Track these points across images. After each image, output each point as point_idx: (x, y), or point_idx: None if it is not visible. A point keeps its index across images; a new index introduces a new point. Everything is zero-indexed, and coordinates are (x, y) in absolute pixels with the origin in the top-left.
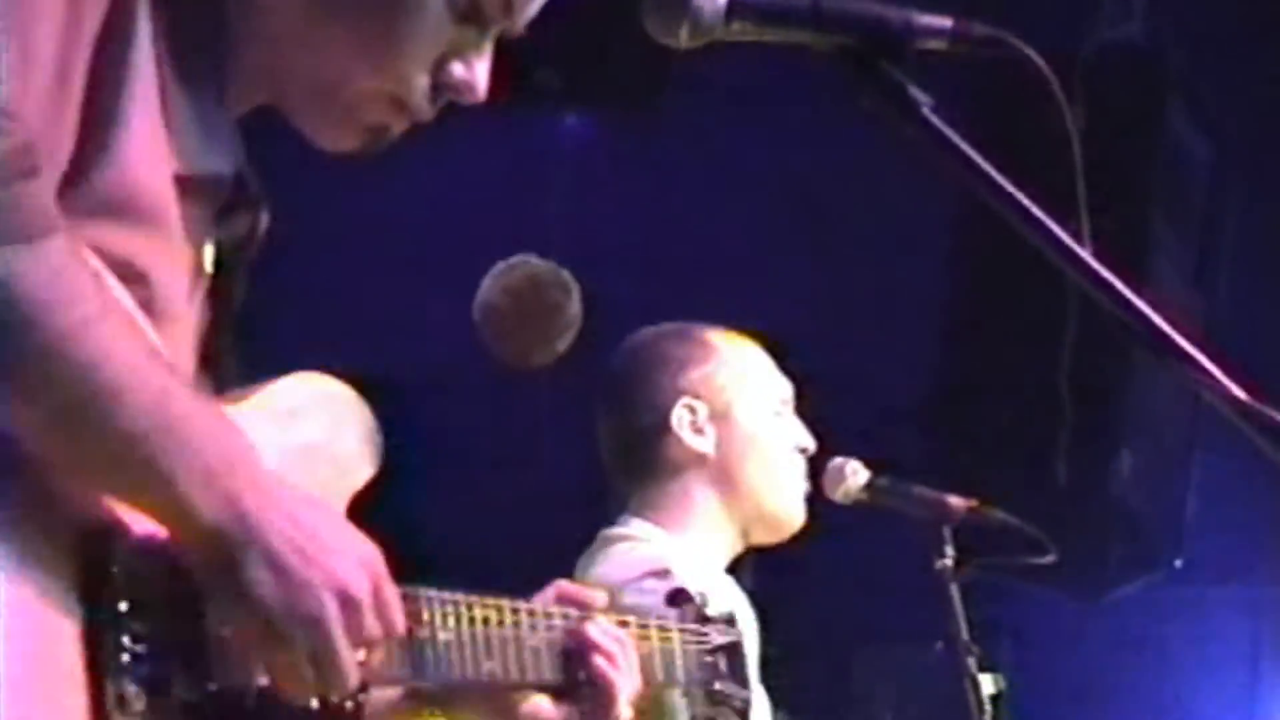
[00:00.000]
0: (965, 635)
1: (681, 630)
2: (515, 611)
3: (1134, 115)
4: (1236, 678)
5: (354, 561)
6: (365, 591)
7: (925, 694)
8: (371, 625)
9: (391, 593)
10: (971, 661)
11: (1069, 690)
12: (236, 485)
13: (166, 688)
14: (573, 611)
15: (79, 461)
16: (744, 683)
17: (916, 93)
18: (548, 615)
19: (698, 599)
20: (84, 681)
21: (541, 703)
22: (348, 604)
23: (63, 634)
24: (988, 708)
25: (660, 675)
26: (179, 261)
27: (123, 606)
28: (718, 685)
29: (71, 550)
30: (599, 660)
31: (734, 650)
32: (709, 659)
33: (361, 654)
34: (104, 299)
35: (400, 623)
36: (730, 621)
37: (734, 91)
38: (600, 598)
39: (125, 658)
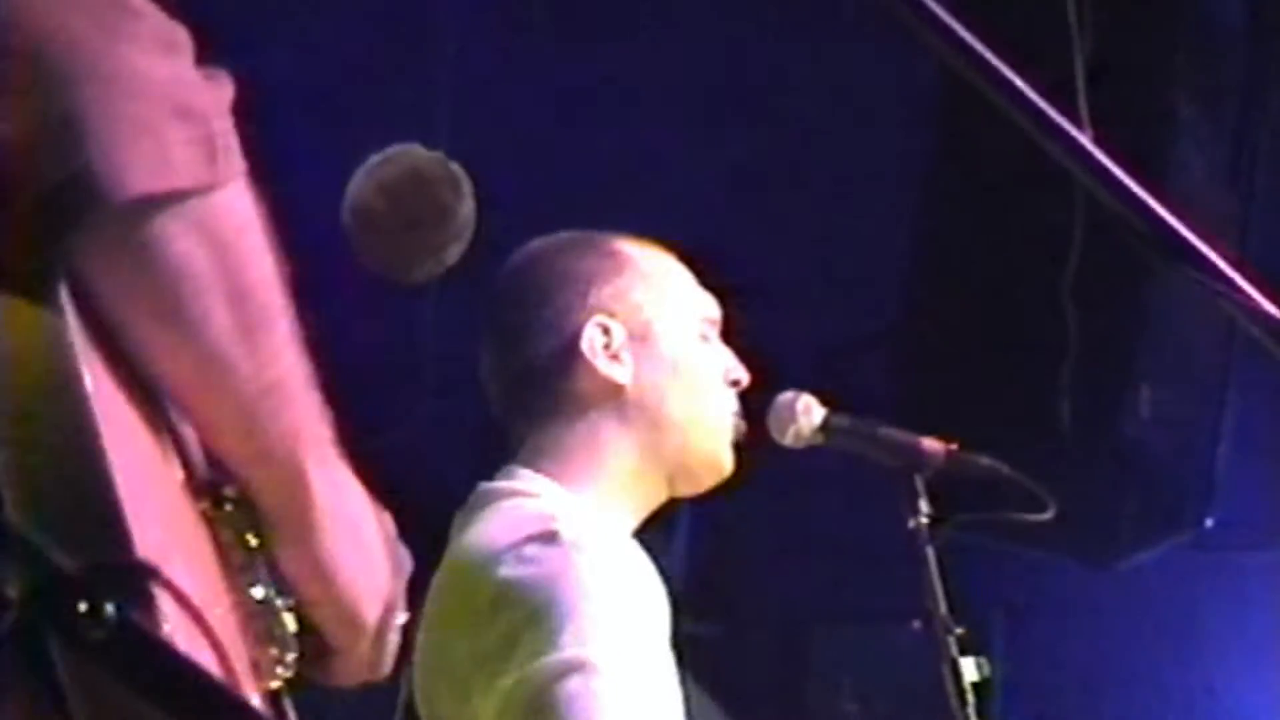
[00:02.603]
0: (944, 610)
1: None
2: None
3: None
4: (1277, 657)
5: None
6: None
7: (897, 682)
8: None
9: None
10: (952, 642)
11: (1075, 675)
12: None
13: None
14: None
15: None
16: None
17: None
18: None
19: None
20: None
21: None
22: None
23: None
24: (970, 698)
25: None
26: None
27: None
28: None
29: None
30: None
31: None
32: None
33: None
34: None
35: None
36: None
37: None
38: None
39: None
